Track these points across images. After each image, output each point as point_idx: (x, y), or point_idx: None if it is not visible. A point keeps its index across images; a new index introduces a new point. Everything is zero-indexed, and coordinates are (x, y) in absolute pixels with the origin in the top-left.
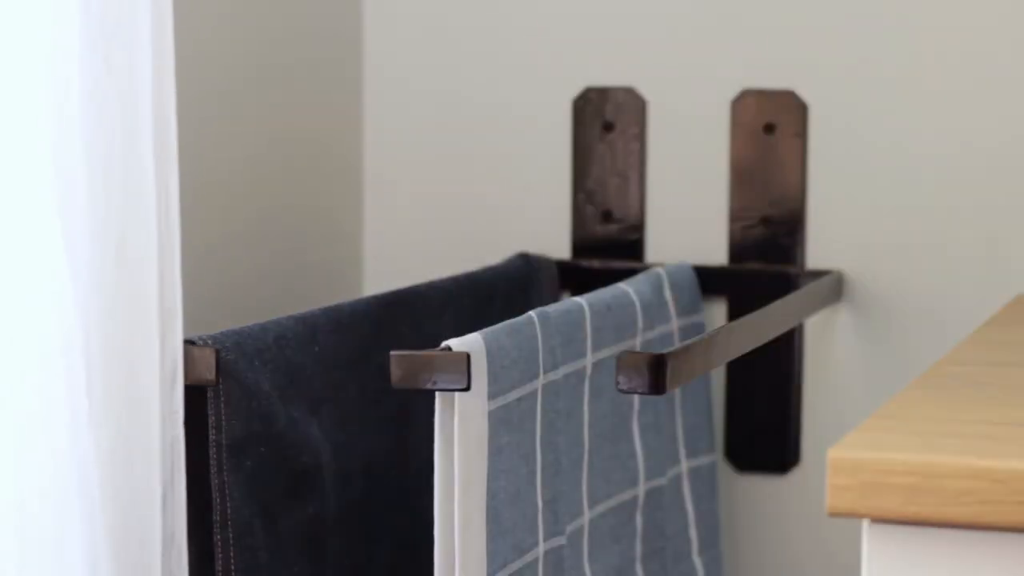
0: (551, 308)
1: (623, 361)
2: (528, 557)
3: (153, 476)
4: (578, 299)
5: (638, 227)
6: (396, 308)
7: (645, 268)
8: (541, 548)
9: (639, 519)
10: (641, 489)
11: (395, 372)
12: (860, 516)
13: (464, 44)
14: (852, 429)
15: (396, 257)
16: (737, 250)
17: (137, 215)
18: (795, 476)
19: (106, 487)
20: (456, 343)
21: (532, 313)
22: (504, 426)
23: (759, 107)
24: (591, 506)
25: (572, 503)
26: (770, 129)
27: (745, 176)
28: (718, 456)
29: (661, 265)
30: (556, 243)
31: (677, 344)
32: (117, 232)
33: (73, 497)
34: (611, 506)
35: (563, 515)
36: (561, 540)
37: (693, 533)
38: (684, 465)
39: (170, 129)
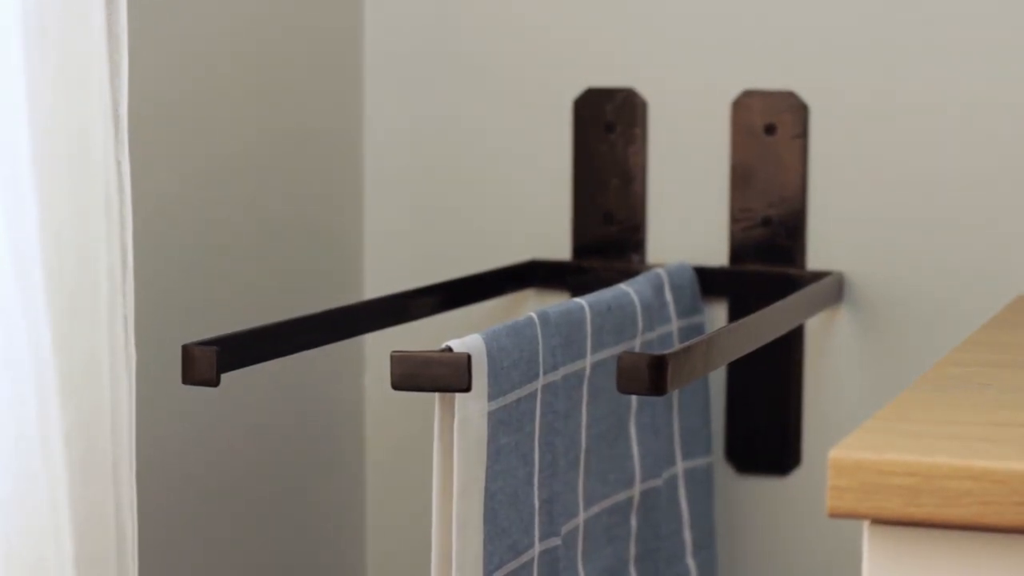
0: (551, 309)
1: (623, 362)
2: (524, 558)
3: (106, 475)
4: (578, 300)
5: (639, 228)
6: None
7: (646, 269)
8: (536, 549)
9: (634, 520)
10: (637, 490)
11: (395, 372)
12: (861, 517)
13: (465, 45)
14: (853, 430)
15: (396, 259)
16: (738, 251)
17: (88, 215)
18: (796, 477)
19: (73, 485)
20: (457, 344)
21: (533, 314)
22: (503, 427)
23: (760, 108)
24: (586, 507)
25: (568, 504)
26: (771, 130)
27: (746, 177)
28: (717, 458)
29: (662, 266)
30: (557, 243)
31: (677, 345)
32: (68, 234)
33: (38, 492)
34: (606, 507)
35: (559, 516)
36: (556, 541)
37: (687, 535)
38: (680, 467)
39: (123, 128)
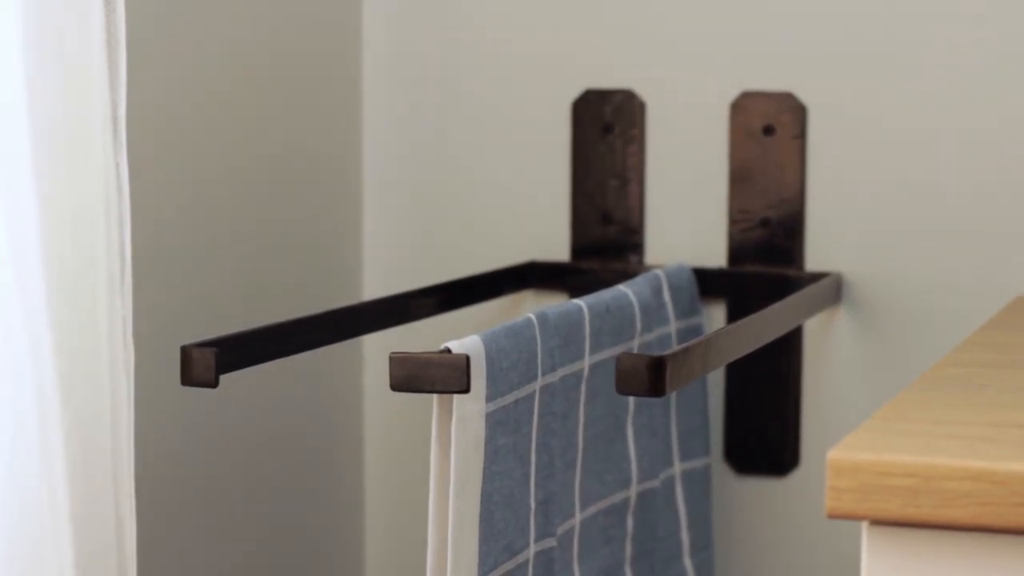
0: (550, 310)
1: (622, 363)
2: (519, 559)
3: (105, 475)
4: (577, 301)
5: (637, 229)
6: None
7: (644, 270)
8: (532, 550)
9: (630, 521)
10: (633, 491)
11: (394, 373)
12: (860, 518)
13: (463, 46)
14: (851, 431)
15: (396, 260)
16: (736, 252)
17: (87, 217)
18: (794, 478)
19: (73, 487)
20: (456, 345)
21: (531, 315)
22: (501, 428)
23: (758, 109)
24: (583, 508)
25: (564, 504)
26: (769, 131)
27: (744, 178)
28: (716, 459)
29: (660, 267)
30: (556, 245)
31: (676, 346)
32: (68, 234)
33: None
34: (603, 508)
35: (554, 516)
36: (551, 542)
37: (684, 536)
38: (677, 468)
39: (121, 130)
